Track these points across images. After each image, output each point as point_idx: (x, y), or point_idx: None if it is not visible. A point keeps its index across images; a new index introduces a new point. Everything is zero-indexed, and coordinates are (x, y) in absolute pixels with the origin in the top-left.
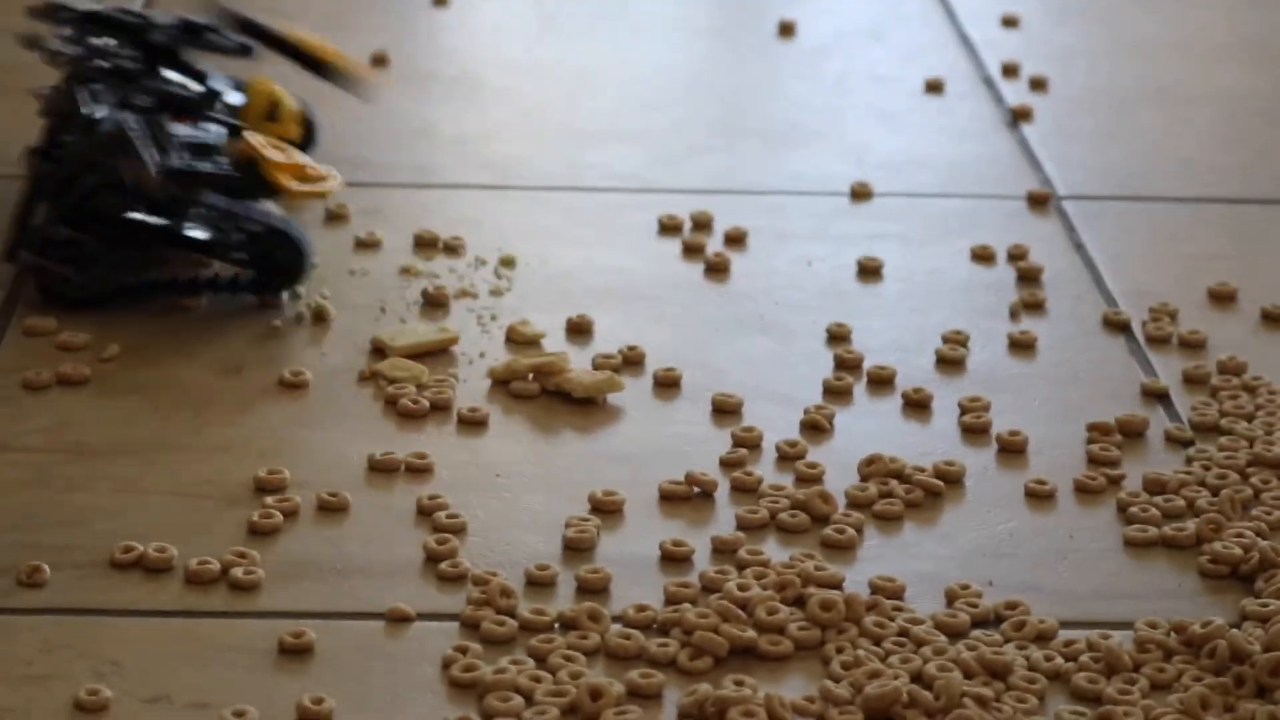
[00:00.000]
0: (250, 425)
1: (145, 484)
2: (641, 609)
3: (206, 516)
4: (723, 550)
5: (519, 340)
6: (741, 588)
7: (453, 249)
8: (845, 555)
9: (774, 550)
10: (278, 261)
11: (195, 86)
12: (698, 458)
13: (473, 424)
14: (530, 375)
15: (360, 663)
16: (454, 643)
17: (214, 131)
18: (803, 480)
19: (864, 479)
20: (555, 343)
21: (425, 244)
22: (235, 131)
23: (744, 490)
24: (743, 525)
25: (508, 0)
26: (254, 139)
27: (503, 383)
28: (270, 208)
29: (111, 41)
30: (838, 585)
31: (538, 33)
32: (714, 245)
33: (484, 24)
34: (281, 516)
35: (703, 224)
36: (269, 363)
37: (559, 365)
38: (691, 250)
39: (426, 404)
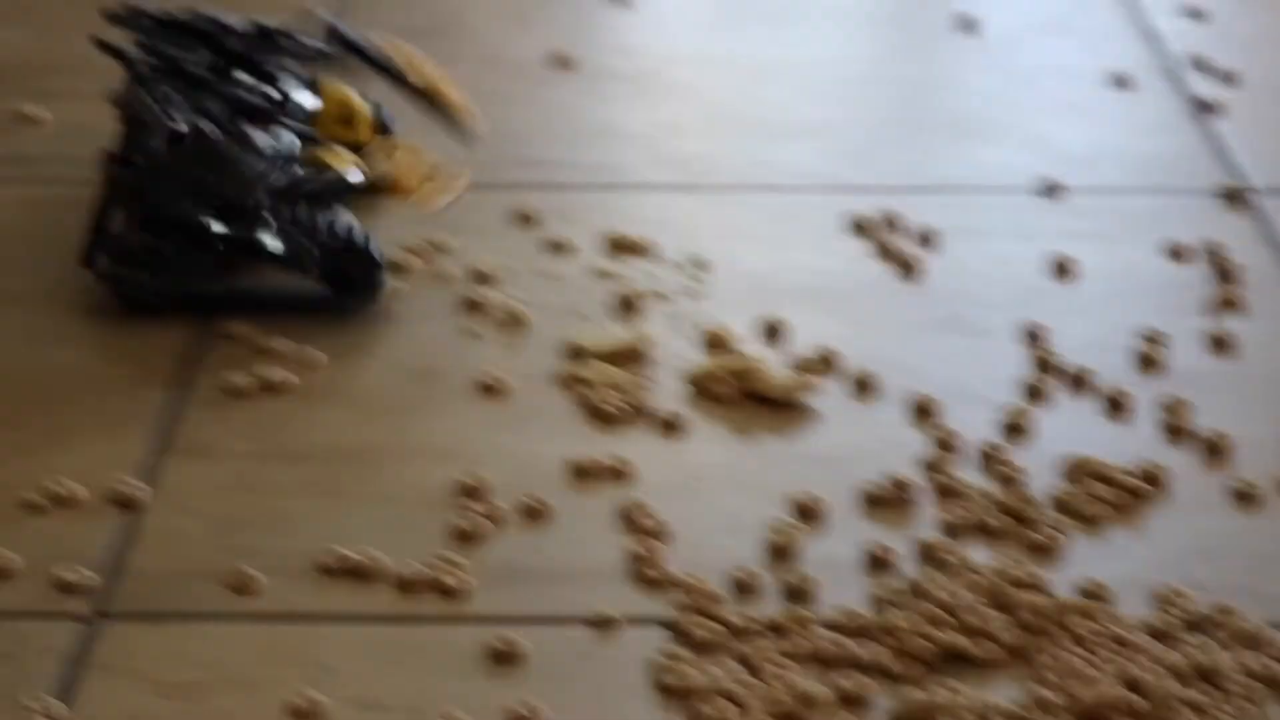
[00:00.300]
0: (450, 430)
1: (351, 490)
2: (849, 613)
3: (412, 522)
4: (927, 553)
5: (714, 343)
6: (947, 590)
7: (644, 250)
8: (1050, 558)
9: (978, 553)
10: (351, 276)
11: (270, 92)
12: (897, 459)
13: (671, 427)
14: (728, 378)
15: (569, 668)
16: (661, 647)
17: (287, 138)
18: (1004, 482)
19: (1067, 481)
20: (750, 345)
21: (616, 246)
22: (310, 139)
23: (945, 492)
24: (946, 528)
25: None
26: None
27: (700, 386)
28: (348, 220)
29: (187, 47)
30: (1043, 589)
31: (717, 27)
32: (905, 244)
33: (664, 20)
34: (486, 522)
35: (893, 222)
36: (466, 367)
37: (755, 367)
38: (883, 249)
39: (625, 407)
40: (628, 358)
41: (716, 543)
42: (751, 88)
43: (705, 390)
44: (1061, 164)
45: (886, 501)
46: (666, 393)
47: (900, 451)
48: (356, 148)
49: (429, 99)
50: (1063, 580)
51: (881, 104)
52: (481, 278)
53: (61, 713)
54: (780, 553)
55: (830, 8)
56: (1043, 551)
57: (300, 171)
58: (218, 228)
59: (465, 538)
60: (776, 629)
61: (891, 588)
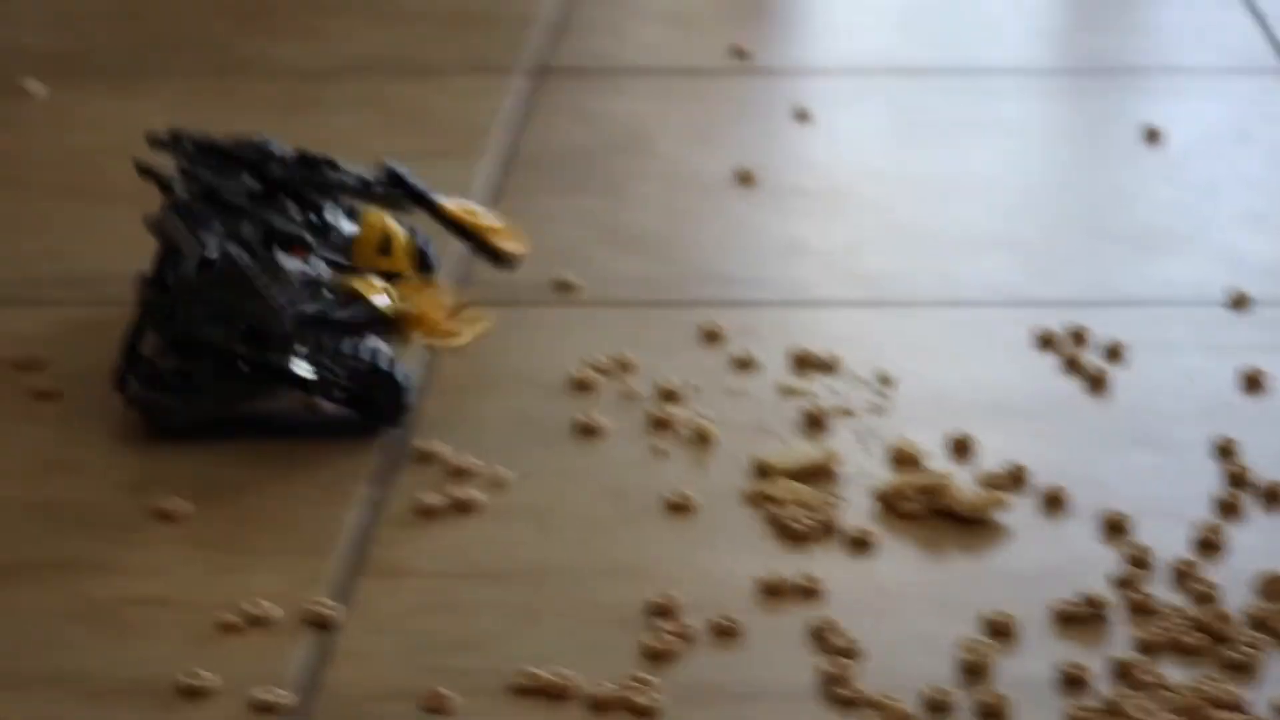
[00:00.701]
0: (638, 547)
1: (542, 608)
2: None
3: (603, 641)
4: (1122, 672)
5: (902, 459)
6: (1144, 710)
7: (830, 367)
8: (1248, 676)
9: (1174, 672)
10: (377, 402)
11: (308, 219)
12: (1089, 576)
13: (860, 544)
14: (916, 495)
15: None
16: None
17: (323, 267)
18: (1199, 599)
19: (1263, 597)
20: (938, 461)
21: (801, 362)
22: (345, 268)
23: (1139, 610)
24: (1141, 646)
25: (869, 112)
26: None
27: (888, 502)
28: (374, 344)
29: (229, 173)
30: (1242, 708)
31: (899, 143)
32: (1092, 358)
33: (847, 136)
34: (676, 640)
35: (1080, 337)
36: (653, 484)
37: (944, 484)
38: (1070, 364)
39: (813, 524)
40: (815, 475)
41: (909, 661)
42: (935, 203)
43: (893, 507)
44: (1249, 275)
45: (1080, 619)
46: (855, 510)
47: (1092, 568)
48: (393, 277)
49: (468, 230)
50: (1261, 699)
51: (1066, 217)
52: (668, 395)
53: None
54: (973, 671)
55: (1012, 122)
56: (1241, 670)
57: (329, 298)
58: (246, 353)
59: (656, 656)
60: None
61: (1087, 707)
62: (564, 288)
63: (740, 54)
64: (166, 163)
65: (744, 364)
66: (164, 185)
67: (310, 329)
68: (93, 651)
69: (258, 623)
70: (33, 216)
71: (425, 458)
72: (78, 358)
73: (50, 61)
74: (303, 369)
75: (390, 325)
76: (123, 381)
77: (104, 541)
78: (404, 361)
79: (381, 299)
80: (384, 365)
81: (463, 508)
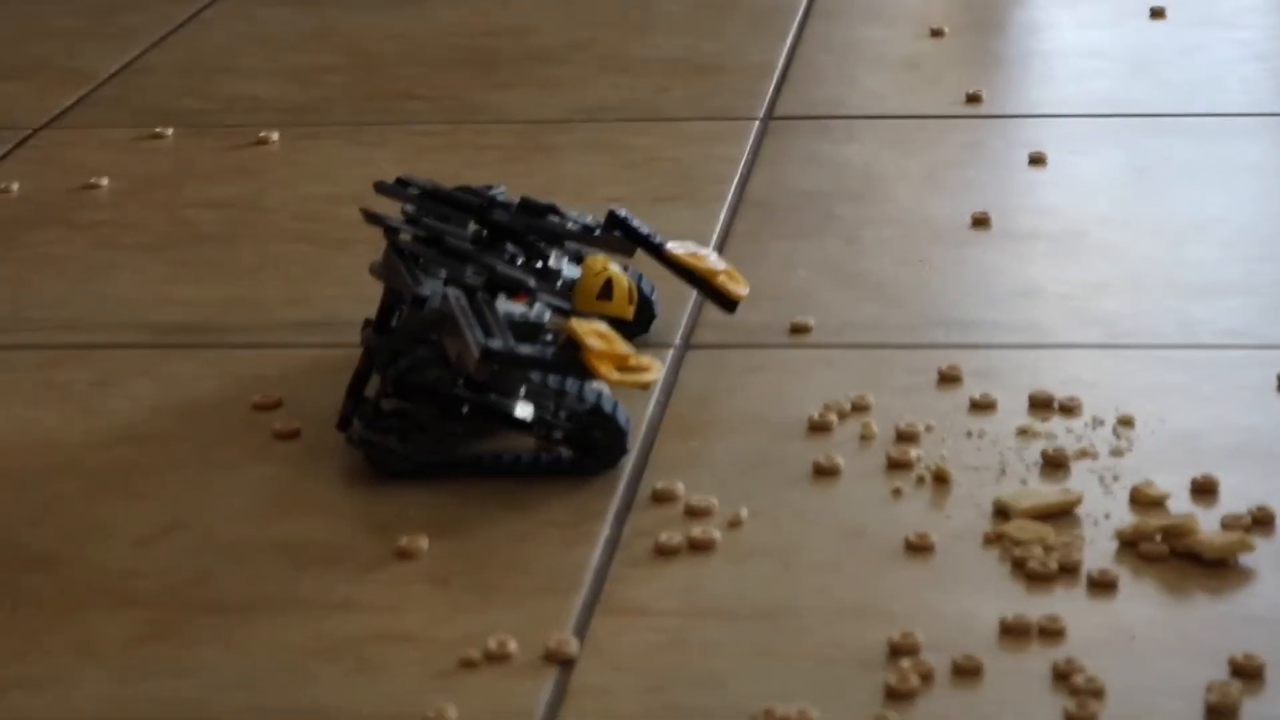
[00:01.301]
0: (877, 587)
1: (780, 647)
2: None
3: (843, 679)
4: None
5: (1144, 501)
6: None
7: (1069, 409)
8: None
9: None
10: (596, 443)
11: (531, 264)
12: None
13: (1103, 585)
14: (1159, 537)
15: None
16: None
17: (546, 311)
18: None
19: None
20: (1181, 503)
21: (1040, 404)
22: (566, 312)
23: None
24: None
25: (1105, 156)
26: (579, 325)
27: (1130, 544)
28: (599, 387)
29: (453, 219)
30: None
31: (1135, 186)
32: None
33: (1082, 180)
34: (918, 680)
35: None
36: (892, 525)
37: (1188, 526)
38: None
39: (1055, 566)
40: (1056, 516)
41: (1154, 703)
42: (1172, 246)
43: (1136, 549)
44: None
45: None
46: (1097, 551)
47: None
48: (618, 321)
49: (693, 273)
50: None
51: None
52: (905, 436)
53: None
54: (1220, 714)
55: (1249, 166)
56: None
57: (547, 342)
58: (467, 394)
59: (898, 696)
60: None
61: None
62: (799, 330)
63: (973, 99)
64: (393, 210)
65: (982, 406)
66: (390, 231)
67: (504, 367)
68: (336, 688)
69: (498, 659)
70: (272, 262)
71: (662, 497)
72: (315, 398)
73: (287, 113)
74: (523, 410)
75: (581, 365)
76: (347, 423)
77: (344, 579)
78: (626, 405)
79: (593, 341)
80: (606, 407)
81: (700, 547)
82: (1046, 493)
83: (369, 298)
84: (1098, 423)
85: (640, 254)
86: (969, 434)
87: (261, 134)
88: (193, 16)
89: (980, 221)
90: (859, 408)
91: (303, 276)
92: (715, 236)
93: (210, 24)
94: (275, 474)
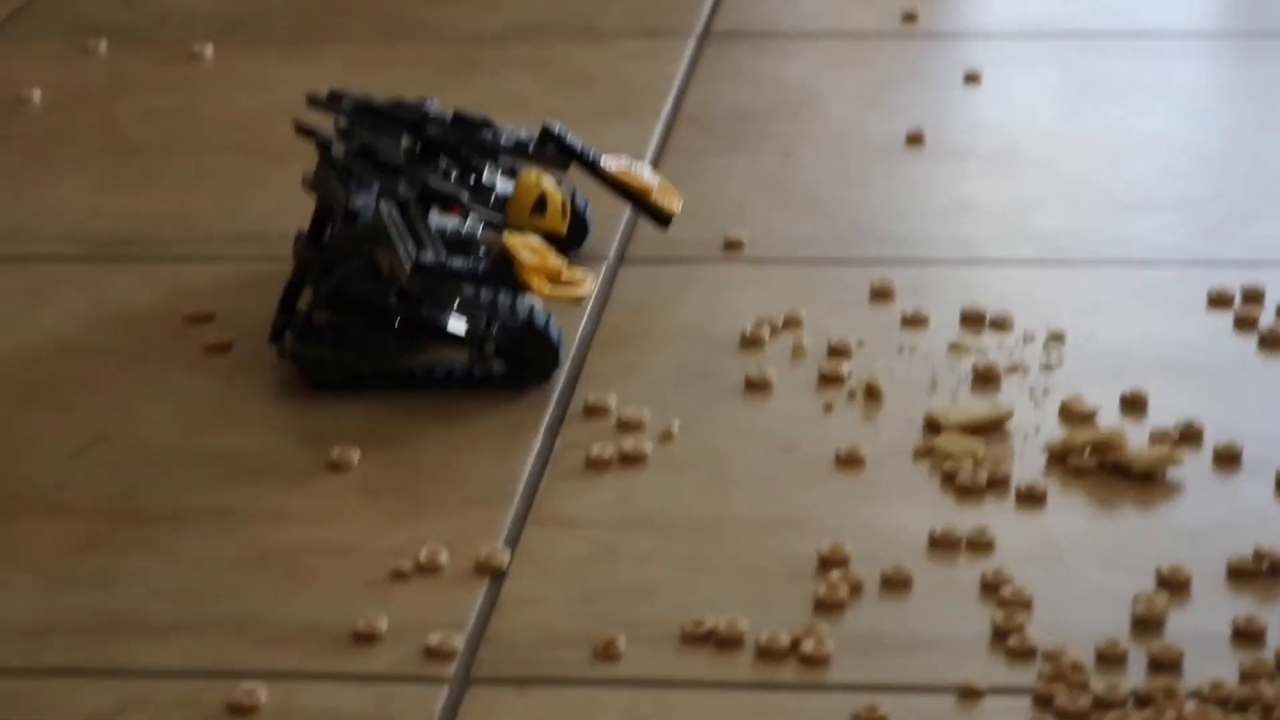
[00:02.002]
0: (809, 501)
1: (711, 558)
2: (1217, 685)
3: (773, 591)
4: None
5: (1073, 415)
6: None
7: (1000, 325)
8: None
9: None
10: (528, 357)
11: (465, 179)
12: (1264, 533)
13: (1031, 499)
14: (1088, 450)
15: None
16: (1027, 718)
17: (479, 225)
18: None
19: None
20: (1110, 418)
21: (972, 320)
22: (499, 226)
23: None
24: None
25: (1040, 74)
26: (512, 239)
27: (1059, 458)
28: (531, 301)
29: (386, 133)
30: None
31: (1070, 104)
32: (1266, 318)
33: (1017, 97)
34: (847, 591)
35: (1254, 296)
36: (823, 439)
37: (1117, 440)
38: (1243, 323)
39: (984, 479)
40: (986, 430)
41: (1081, 613)
42: (1106, 163)
43: (1064, 463)
44: None
45: (1253, 575)
46: (1026, 465)
47: (1267, 525)
48: (551, 236)
49: (627, 188)
50: None
51: (1241, 177)
52: (837, 351)
53: None
54: (1146, 624)
55: (1182, 85)
56: None
57: (482, 257)
58: (398, 307)
59: (827, 607)
60: (1143, 700)
61: (1259, 661)
62: (732, 246)
63: (910, 17)
64: (326, 123)
65: (914, 321)
66: (322, 145)
67: (435, 281)
68: (267, 597)
69: (429, 570)
70: (205, 175)
71: (594, 410)
72: (247, 312)
73: (222, 26)
74: (454, 324)
75: (514, 278)
76: (279, 335)
77: (276, 490)
78: (559, 319)
79: (526, 255)
80: (538, 321)
81: (631, 459)
82: (977, 407)
83: (303, 211)
84: (1029, 338)
85: (574, 169)
86: (900, 349)
87: (196, 47)
88: None
89: (915, 139)
90: (791, 323)
91: (236, 189)
92: (650, 152)
93: None
94: (206, 386)
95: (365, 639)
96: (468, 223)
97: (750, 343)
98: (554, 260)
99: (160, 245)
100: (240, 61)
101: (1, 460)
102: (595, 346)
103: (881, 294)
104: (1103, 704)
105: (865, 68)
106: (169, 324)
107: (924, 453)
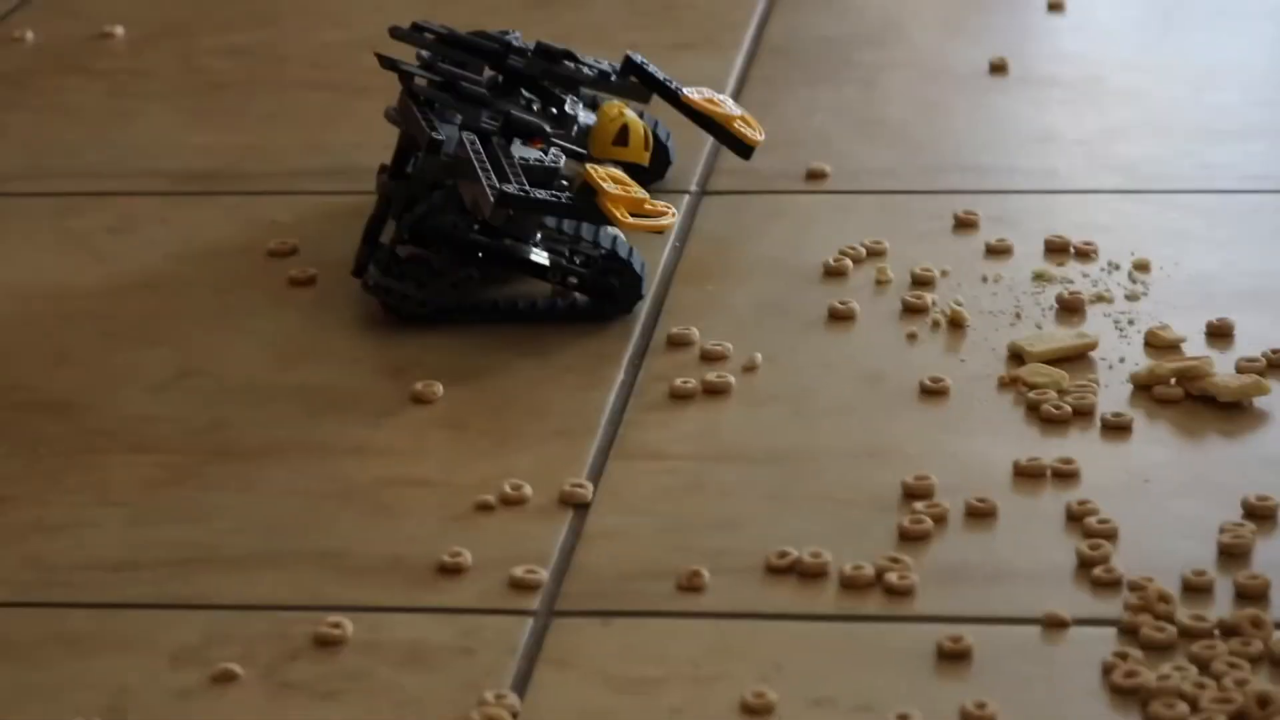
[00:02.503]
0: (893, 432)
1: (795, 490)
2: None
3: (857, 522)
4: None
5: (1159, 345)
6: None
7: (1085, 254)
8: None
9: None
10: (612, 288)
11: (548, 110)
12: None
13: (1117, 429)
14: (1173, 380)
15: (1019, 668)
16: (1112, 648)
17: (561, 157)
18: None
19: None
20: (1196, 347)
21: (1057, 249)
22: (581, 157)
23: None
24: None
25: (1124, 1)
26: (595, 170)
27: (1145, 388)
28: (614, 232)
29: (469, 65)
30: None
31: (1157, 31)
32: None
33: (1101, 25)
34: (931, 522)
35: None
36: (908, 369)
37: (1203, 369)
38: None
39: (1069, 409)
40: (1071, 360)
41: (1166, 544)
42: (1194, 91)
43: (1150, 392)
44: None
45: None
46: (1111, 395)
47: None
48: (633, 167)
49: (709, 118)
50: None
51: None
52: (921, 281)
53: (516, 705)
54: (1232, 554)
55: (1271, 9)
56: None
57: (565, 189)
58: (482, 239)
59: (911, 538)
60: (1229, 630)
61: None
62: (815, 176)
63: None
64: (409, 55)
65: (998, 251)
66: (405, 76)
67: (514, 209)
68: (351, 531)
69: (513, 503)
70: (287, 109)
71: (677, 342)
72: (331, 246)
73: None
74: (538, 255)
75: (597, 209)
76: (362, 269)
77: (360, 424)
78: (642, 250)
79: (609, 186)
80: (621, 252)
81: (715, 391)
82: (1061, 336)
83: (385, 144)
84: (1113, 267)
85: (656, 100)
86: (984, 279)
87: None
88: None
89: (998, 67)
90: (875, 253)
91: (318, 124)
92: (732, 83)
93: None
94: (291, 321)
95: (450, 572)
96: (550, 154)
97: (833, 273)
98: (637, 191)
99: (243, 180)
100: None
101: (89, 396)
102: (677, 278)
103: (965, 224)
104: (1189, 634)
105: None
106: (253, 258)
107: (1008, 383)
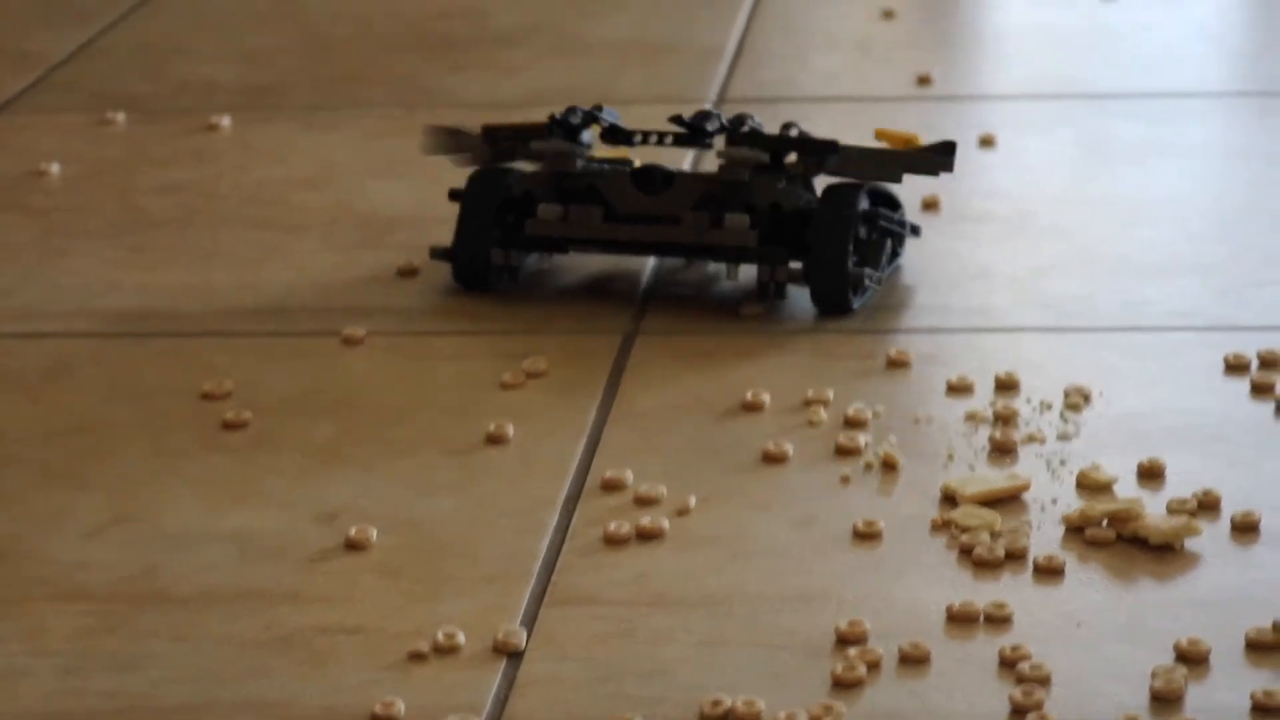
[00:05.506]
0: (825, 575)
1: (728, 636)
2: None
3: (790, 668)
4: None
5: (1090, 486)
6: None
7: (1017, 393)
8: None
9: None
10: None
11: None
12: None
13: (1049, 572)
14: (1105, 522)
15: None
16: None
17: None
18: None
19: None
20: (1127, 487)
21: (989, 389)
22: None
23: None
24: None
25: (1055, 137)
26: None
27: (1077, 530)
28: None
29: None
30: None
31: (1085, 168)
32: None
33: (1033, 161)
34: (864, 668)
35: (1270, 362)
36: (840, 512)
37: (1134, 511)
38: (1260, 389)
39: (1001, 552)
40: (1004, 502)
41: (1099, 689)
42: (1121, 227)
43: (1082, 534)
44: None
45: (1272, 648)
46: (1043, 537)
47: None
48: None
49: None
50: None
51: (1254, 240)
52: (854, 423)
53: None
54: (1164, 699)
55: (1198, 146)
56: None
57: None
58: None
59: (844, 685)
60: None
61: None
62: (749, 316)
63: (924, 81)
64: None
65: (931, 391)
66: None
67: None
68: (285, 681)
69: (446, 651)
70: (224, 249)
71: (611, 486)
72: (266, 388)
73: (240, 96)
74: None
75: None
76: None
77: (293, 571)
78: (572, 396)
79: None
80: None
81: (648, 535)
82: (994, 478)
83: (322, 283)
84: (1045, 407)
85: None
86: (917, 420)
87: (213, 118)
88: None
89: (930, 204)
90: (808, 394)
91: (255, 262)
92: None
93: (163, 7)
94: (225, 464)
95: None
96: None
97: (767, 414)
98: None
99: (178, 320)
100: (258, 132)
101: (20, 541)
102: (611, 420)
103: (898, 363)
104: None
105: None
106: (187, 401)
107: (941, 525)
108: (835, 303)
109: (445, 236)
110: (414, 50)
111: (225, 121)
